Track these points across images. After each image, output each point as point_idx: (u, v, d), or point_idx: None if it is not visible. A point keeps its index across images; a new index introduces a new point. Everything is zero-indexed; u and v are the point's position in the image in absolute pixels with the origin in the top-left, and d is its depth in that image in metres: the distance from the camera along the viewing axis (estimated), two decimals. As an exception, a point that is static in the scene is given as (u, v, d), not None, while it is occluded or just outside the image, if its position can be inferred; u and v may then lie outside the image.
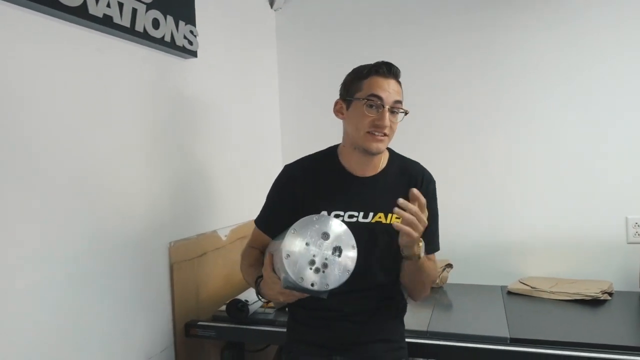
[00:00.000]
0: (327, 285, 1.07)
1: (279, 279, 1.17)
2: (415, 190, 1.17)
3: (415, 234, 1.16)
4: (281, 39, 2.68)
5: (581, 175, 2.22)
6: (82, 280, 1.40)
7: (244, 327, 1.77)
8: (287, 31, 2.67)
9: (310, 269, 1.07)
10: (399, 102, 1.34)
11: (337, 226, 1.12)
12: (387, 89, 1.32)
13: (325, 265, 1.08)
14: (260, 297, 1.34)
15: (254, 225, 1.53)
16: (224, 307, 1.83)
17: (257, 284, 1.32)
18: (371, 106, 1.32)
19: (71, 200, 1.37)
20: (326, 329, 1.41)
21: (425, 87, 2.42)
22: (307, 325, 1.45)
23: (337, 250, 1.09)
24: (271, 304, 1.88)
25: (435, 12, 2.42)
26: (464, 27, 2.37)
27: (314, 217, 1.11)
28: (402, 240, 1.21)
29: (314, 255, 1.08)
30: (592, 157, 2.20)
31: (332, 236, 1.10)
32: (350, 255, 1.11)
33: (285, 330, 1.68)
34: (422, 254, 1.26)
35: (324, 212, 1.34)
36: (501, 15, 2.32)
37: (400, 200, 1.15)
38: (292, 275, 1.06)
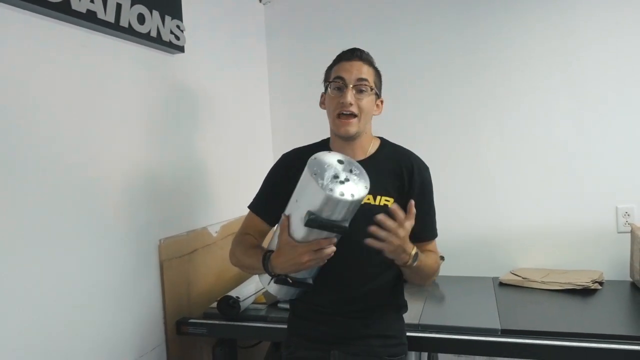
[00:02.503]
0: (353, 195, 1.15)
1: (297, 242, 1.22)
2: (394, 207, 1.20)
3: (390, 248, 1.19)
4: (270, 33, 2.66)
5: (571, 166, 2.23)
6: (71, 279, 1.39)
7: (236, 323, 1.76)
8: (276, 25, 2.65)
9: (336, 181, 1.16)
10: (363, 79, 1.36)
11: (345, 156, 1.25)
12: (350, 70, 1.36)
13: (347, 179, 1.17)
14: (271, 273, 1.31)
15: (245, 220, 1.53)
16: (215, 304, 1.82)
17: (266, 260, 1.31)
18: (337, 88, 1.37)
19: (58, 198, 1.36)
20: (325, 324, 1.42)
21: (418, 80, 2.41)
22: (306, 320, 1.46)
23: (352, 170, 1.21)
24: (263, 299, 1.88)
25: (428, 6, 2.40)
26: (455, 20, 2.36)
27: (326, 151, 1.25)
28: (386, 254, 1.22)
29: (336, 173, 1.18)
30: (582, 148, 2.21)
31: (345, 161, 1.22)
32: (363, 173, 1.22)
33: (277, 326, 1.70)
34: (416, 262, 1.26)
35: None
36: (494, 10, 2.31)
37: (379, 217, 1.18)
38: (323, 188, 1.12)
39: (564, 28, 2.22)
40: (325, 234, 1.20)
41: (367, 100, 1.37)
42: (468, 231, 2.35)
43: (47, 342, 1.32)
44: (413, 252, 1.24)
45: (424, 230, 1.40)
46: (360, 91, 1.36)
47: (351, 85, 1.35)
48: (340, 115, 1.36)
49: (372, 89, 1.38)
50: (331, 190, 1.13)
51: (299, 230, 1.21)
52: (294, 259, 1.23)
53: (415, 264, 1.25)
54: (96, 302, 1.48)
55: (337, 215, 1.16)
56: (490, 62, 2.33)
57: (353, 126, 1.36)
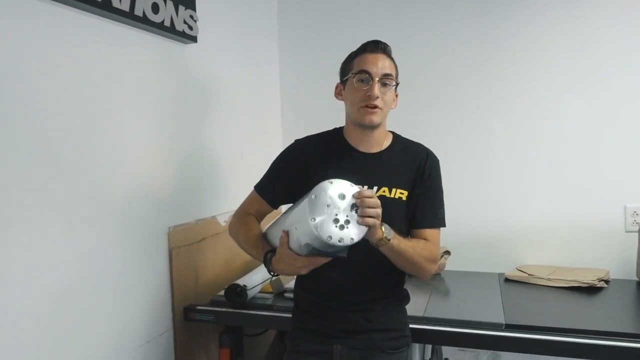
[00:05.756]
0: (352, 239, 1.14)
1: (297, 254, 1.24)
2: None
3: (377, 223, 1.19)
4: (282, 22, 2.66)
5: (580, 164, 2.22)
6: (82, 264, 1.41)
7: (242, 311, 1.79)
8: (289, 14, 2.65)
9: (336, 227, 1.14)
10: (388, 74, 1.38)
11: (349, 187, 1.19)
12: (376, 63, 1.37)
13: (347, 222, 1.15)
14: (272, 273, 1.38)
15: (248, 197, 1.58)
16: (222, 292, 1.84)
17: (267, 261, 1.36)
18: (361, 80, 1.38)
19: (70, 185, 1.38)
20: (327, 318, 1.43)
21: (428, 72, 2.41)
22: (309, 314, 1.47)
23: (354, 207, 1.16)
24: (270, 289, 1.90)
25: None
26: (467, 11, 2.35)
27: (329, 181, 1.18)
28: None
29: (336, 214, 1.15)
30: (592, 146, 2.20)
31: (347, 196, 1.17)
32: None
33: (283, 315, 1.72)
34: (391, 237, 1.25)
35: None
36: (504, 2, 2.30)
37: (370, 192, 1.21)
38: (321, 235, 1.12)
39: (576, 22, 2.20)
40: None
41: (390, 94, 1.40)
42: (475, 226, 2.35)
43: (57, 327, 1.34)
44: (383, 227, 1.23)
45: (425, 217, 1.41)
46: (384, 85, 1.38)
47: (377, 79, 1.36)
48: (365, 106, 1.37)
49: (395, 86, 1.41)
50: (330, 237, 1.12)
51: (297, 249, 1.23)
52: (294, 269, 1.30)
53: (390, 239, 1.24)
54: (105, 287, 1.50)
55: (336, 250, 1.17)
56: (499, 57, 2.32)
57: (378, 116, 1.38)
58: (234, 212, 2.13)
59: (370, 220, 1.16)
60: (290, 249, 1.26)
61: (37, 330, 1.28)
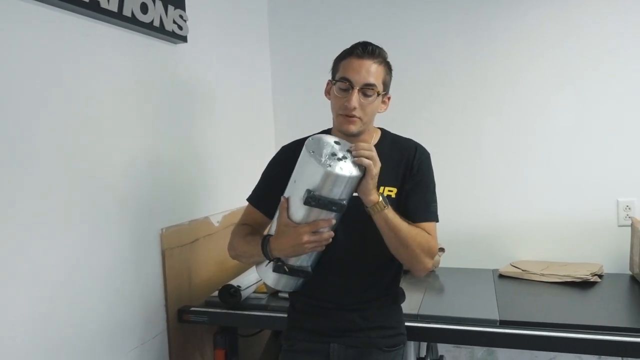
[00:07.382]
0: (351, 172, 1.18)
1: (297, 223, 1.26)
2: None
3: (375, 170, 1.22)
4: (273, 21, 2.65)
5: (572, 158, 2.22)
6: (74, 267, 1.40)
7: (237, 312, 1.78)
8: (280, 13, 2.63)
9: (334, 158, 1.19)
10: (370, 85, 1.32)
11: (341, 139, 1.29)
12: (359, 71, 1.32)
13: (345, 157, 1.21)
14: (270, 256, 1.32)
15: (244, 212, 1.55)
16: (216, 293, 1.83)
17: (265, 243, 1.33)
18: (342, 88, 1.34)
19: (62, 187, 1.37)
20: (324, 317, 1.43)
21: (420, 69, 2.41)
22: (305, 313, 1.47)
23: (349, 150, 1.23)
24: (264, 289, 1.90)
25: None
26: (458, 8, 2.35)
27: (323, 134, 1.29)
28: (360, 189, 1.23)
29: (334, 151, 1.21)
30: (583, 141, 2.21)
31: (341, 142, 1.26)
32: None
33: (277, 315, 1.71)
34: (387, 204, 1.25)
35: None
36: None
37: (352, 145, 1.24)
38: (322, 165, 1.15)
39: (567, 18, 2.20)
40: (324, 213, 1.22)
41: (373, 104, 1.35)
42: (468, 223, 2.36)
43: (50, 330, 1.33)
44: (381, 198, 1.24)
45: (418, 211, 1.39)
46: (366, 95, 1.33)
47: (357, 88, 1.31)
48: (344, 114, 1.34)
49: (378, 94, 1.35)
50: (330, 166, 1.15)
51: (298, 211, 1.24)
52: (294, 239, 1.25)
53: (386, 207, 1.24)
54: (98, 290, 1.49)
55: (336, 192, 1.19)
56: (492, 53, 2.32)
57: (356, 125, 1.34)
58: (226, 212, 2.14)
59: (365, 161, 1.19)
60: (290, 218, 1.25)
61: (29, 333, 1.27)
